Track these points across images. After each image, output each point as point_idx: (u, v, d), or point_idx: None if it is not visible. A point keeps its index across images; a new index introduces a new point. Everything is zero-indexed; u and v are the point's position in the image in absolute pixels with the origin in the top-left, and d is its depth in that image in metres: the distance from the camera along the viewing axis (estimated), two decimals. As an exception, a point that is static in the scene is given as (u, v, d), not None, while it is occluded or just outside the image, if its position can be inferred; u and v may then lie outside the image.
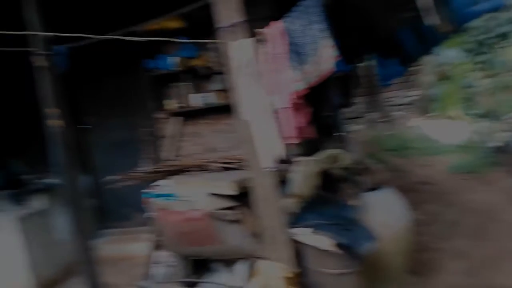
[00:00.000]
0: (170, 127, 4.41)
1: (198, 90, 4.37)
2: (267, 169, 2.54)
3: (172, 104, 4.42)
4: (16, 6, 2.69)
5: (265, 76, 2.41)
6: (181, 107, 4.36)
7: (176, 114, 4.44)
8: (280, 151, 2.49)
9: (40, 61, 2.61)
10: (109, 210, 5.02)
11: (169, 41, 2.75)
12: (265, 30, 2.46)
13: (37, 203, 4.22)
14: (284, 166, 2.71)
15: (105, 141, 4.96)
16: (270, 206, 2.64)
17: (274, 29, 2.44)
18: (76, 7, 3.83)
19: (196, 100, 4.30)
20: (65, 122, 2.91)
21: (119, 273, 3.75)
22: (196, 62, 4.24)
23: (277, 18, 2.55)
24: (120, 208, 4.95)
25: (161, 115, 4.56)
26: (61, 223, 4.31)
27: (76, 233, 3.08)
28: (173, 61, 4.29)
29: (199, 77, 4.31)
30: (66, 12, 3.64)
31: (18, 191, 4.30)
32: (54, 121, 2.74)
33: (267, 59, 2.41)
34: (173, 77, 4.38)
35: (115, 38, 2.80)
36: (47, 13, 2.75)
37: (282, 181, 2.77)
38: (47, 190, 4.27)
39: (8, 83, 4.92)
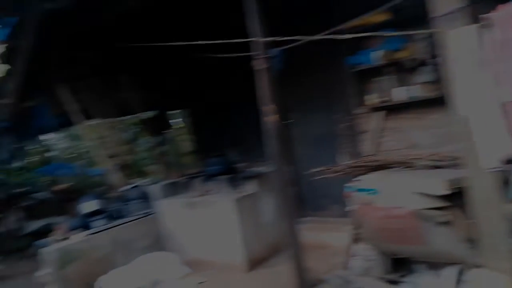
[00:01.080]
0: (371, 122, 4.39)
1: (402, 83, 4.20)
2: (489, 169, 2.27)
3: (373, 98, 4.37)
4: (241, 16, 3.08)
5: (492, 66, 2.15)
6: (383, 101, 4.28)
7: (377, 108, 4.38)
8: (507, 149, 2.19)
9: (259, 64, 2.93)
10: (307, 199, 5.35)
11: (374, 35, 2.73)
12: (492, 14, 2.19)
13: (249, 187, 4.78)
14: (510, 166, 2.37)
15: (306, 135, 5.29)
16: (491, 211, 2.36)
17: (503, 13, 2.15)
18: (287, 12, 4.18)
19: (400, 93, 4.15)
20: (278, 118, 3.21)
21: (317, 260, 3.94)
22: (401, 55, 4.08)
23: (505, 0, 2.24)
24: (318, 198, 5.22)
25: (361, 110, 4.58)
26: (268, 207, 4.82)
27: (283, 217, 3.38)
28: (376, 55, 4.24)
29: (404, 70, 4.14)
30: (279, 18, 4.00)
31: (234, 177, 4.99)
32: (269, 117, 3.05)
33: (495, 46, 2.14)
34: (376, 72, 4.33)
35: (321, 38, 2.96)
36: (265, 20, 3.09)
37: (505, 183, 2.44)
38: (257, 177, 4.80)
39: (229, 84, 5.77)
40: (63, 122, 6.05)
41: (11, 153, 6.81)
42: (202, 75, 6.22)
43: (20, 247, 7.52)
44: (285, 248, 3.51)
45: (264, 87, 3.03)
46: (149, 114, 7.23)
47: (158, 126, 7.08)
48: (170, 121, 8.24)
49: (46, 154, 11.10)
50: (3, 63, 3.83)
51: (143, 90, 6.23)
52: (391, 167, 3.30)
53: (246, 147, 5.83)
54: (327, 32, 2.98)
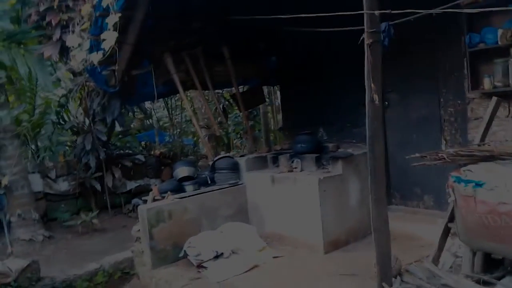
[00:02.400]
0: (484, 108, 3.96)
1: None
2: None
3: (490, 83, 3.91)
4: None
5: None
6: (501, 86, 3.82)
7: (493, 94, 3.93)
8: None
9: (370, 38, 2.77)
10: (396, 186, 5.09)
11: (500, 11, 2.43)
12: None
13: (335, 168, 4.67)
14: None
15: (401, 118, 5.00)
16: None
17: None
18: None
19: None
20: (378, 97, 3.04)
21: (402, 250, 3.76)
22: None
23: None
24: (409, 186, 4.95)
25: (474, 94, 4.15)
26: (353, 190, 4.69)
27: (372, 201, 3.24)
28: (498, 34, 3.77)
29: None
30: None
31: (321, 156, 4.91)
32: (371, 95, 2.90)
33: None
34: (496, 53, 3.85)
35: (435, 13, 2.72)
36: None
37: None
38: (344, 158, 4.65)
39: (325, 61, 5.64)
40: (164, 92, 6.44)
41: (116, 117, 7.44)
42: (299, 50, 6.16)
43: (118, 204, 8.31)
44: (369, 234, 3.38)
45: (370, 64, 2.87)
46: (242, 88, 7.40)
47: (250, 100, 7.20)
48: (264, 96, 8.35)
49: (145, 121, 11.98)
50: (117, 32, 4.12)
51: (240, 64, 6.35)
52: (502, 159, 2.97)
53: (337, 127, 5.71)
54: (444, 6, 2.72)
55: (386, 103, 5.06)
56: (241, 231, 4.67)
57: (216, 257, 4.28)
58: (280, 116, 10.87)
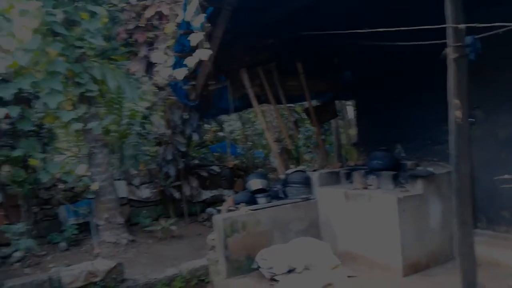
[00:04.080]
0: None
1: None
2: None
3: None
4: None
5: None
6: None
7: None
8: None
9: (454, 53, 2.66)
10: (483, 209, 4.74)
11: None
12: None
13: (414, 187, 4.46)
14: None
15: (488, 136, 4.67)
16: None
17: None
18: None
19: None
20: (463, 114, 2.89)
21: (490, 278, 3.49)
22: None
23: None
24: (498, 209, 4.58)
25: None
26: (435, 211, 4.44)
27: (457, 224, 3.06)
28: None
29: None
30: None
31: (399, 174, 4.73)
32: (454, 112, 2.77)
33: None
34: None
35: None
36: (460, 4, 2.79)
37: None
38: (425, 177, 4.43)
39: (404, 76, 5.48)
40: (239, 106, 6.67)
41: (194, 129, 7.84)
42: (375, 64, 6.04)
43: (193, 212, 8.68)
44: (452, 259, 3.19)
45: (455, 80, 2.75)
46: (315, 102, 7.41)
47: (323, 114, 7.18)
48: (337, 110, 8.27)
49: (218, 133, 12.41)
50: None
51: (313, 78, 6.39)
52: None
53: (415, 144, 5.48)
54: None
55: (473, 120, 4.75)
56: (313, 246, 4.64)
57: (289, 271, 4.29)
58: (351, 131, 10.67)
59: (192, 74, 5.76)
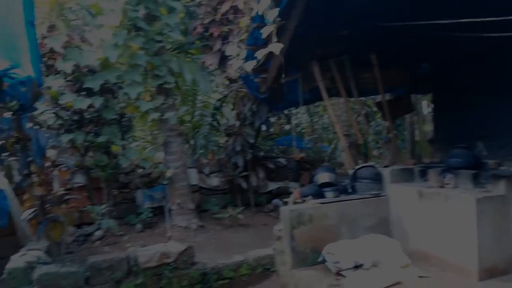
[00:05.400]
0: None
1: None
2: None
3: None
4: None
5: None
6: None
7: None
8: None
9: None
10: None
11: None
12: None
13: (496, 188, 4.17)
14: None
15: None
16: None
17: None
18: None
19: None
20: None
21: None
22: None
23: None
24: None
25: None
26: (519, 214, 4.12)
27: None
28: None
29: None
30: None
31: (479, 173, 4.43)
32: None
33: None
34: None
35: None
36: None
37: None
38: (507, 177, 4.12)
39: (489, 70, 5.11)
40: (309, 98, 6.64)
41: (263, 121, 7.95)
42: (455, 56, 5.69)
43: (259, 202, 8.84)
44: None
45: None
46: (388, 96, 7.16)
47: (397, 109, 6.92)
48: (412, 105, 7.91)
49: (286, 126, 12.46)
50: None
51: (387, 71, 6.18)
52: None
53: (498, 142, 5.09)
54: None
55: None
56: (383, 244, 4.52)
57: (356, 267, 4.23)
58: (426, 127, 10.14)
59: (263, 67, 5.85)
